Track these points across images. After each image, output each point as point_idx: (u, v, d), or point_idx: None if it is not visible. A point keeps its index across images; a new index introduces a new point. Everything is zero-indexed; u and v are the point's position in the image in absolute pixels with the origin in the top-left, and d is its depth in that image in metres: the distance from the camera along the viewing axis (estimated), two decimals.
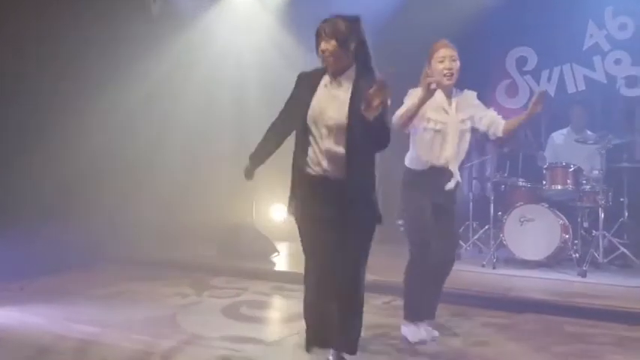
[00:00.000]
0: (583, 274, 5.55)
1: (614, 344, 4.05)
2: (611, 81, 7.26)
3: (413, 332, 3.95)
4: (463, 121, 4.00)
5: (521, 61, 7.78)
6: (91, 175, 6.66)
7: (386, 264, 4.96)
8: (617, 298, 4.92)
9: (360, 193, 3.25)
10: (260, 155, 3.55)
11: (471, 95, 4.12)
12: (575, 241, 5.98)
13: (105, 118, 6.77)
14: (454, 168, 3.97)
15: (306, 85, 3.38)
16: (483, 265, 6.01)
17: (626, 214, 6.03)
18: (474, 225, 6.72)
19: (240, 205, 7.68)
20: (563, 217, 5.97)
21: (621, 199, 6.04)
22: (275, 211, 8.07)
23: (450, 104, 3.99)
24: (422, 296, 3.99)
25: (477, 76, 7.97)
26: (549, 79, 7.63)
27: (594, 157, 6.18)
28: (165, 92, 7.37)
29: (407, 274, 3.97)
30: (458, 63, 3.94)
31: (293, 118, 3.39)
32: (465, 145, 4.05)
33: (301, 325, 3.41)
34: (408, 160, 4.02)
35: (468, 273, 5.85)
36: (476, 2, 7.35)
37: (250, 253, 6.69)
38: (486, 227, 6.41)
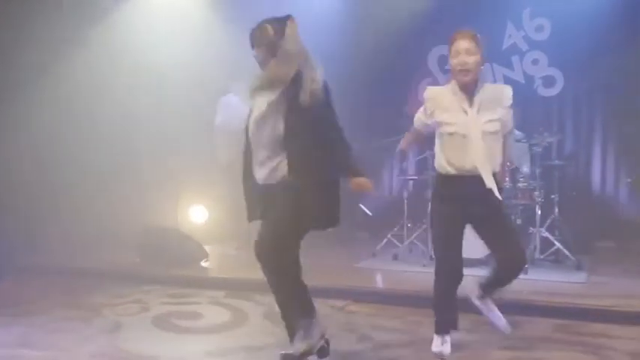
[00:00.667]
0: (525, 271, 5.62)
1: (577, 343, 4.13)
2: (529, 81, 7.52)
3: (436, 344, 3.70)
4: (489, 122, 3.50)
5: (443, 60, 7.83)
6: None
7: None
8: (568, 294, 5.08)
9: (284, 191, 3.36)
10: None
11: (502, 93, 3.63)
12: None
13: (15, 118, 6.23)
14: (486, 174, 3.47)
15: None
16: (424, 265, 5.96)
17: (557, 210, 6.19)
18: (409, 225, 6.66)
19: (161, 207, 7.27)
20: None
21: (552, 196, 6.20)
22: (196, 213, 7.69)
23: (470, 103, 3.52)
24: (445, 310, 3.73)
25: (400, 74, 7.98)
26: None
27: (525, 155, 6.33)
28: (79, 90, 6.78)
29: (434, 287, 3.72)
30: (477, 56, 3.47)
31: None
32: (498, 148, 3.56)
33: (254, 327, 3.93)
34: (435, 163, 3.69)
35: (409, 274, 5.89)
36: (399, 1, 7.38)
37: (178, 258, 6.26)
38: (424, 226, 6.35)
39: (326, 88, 3.41)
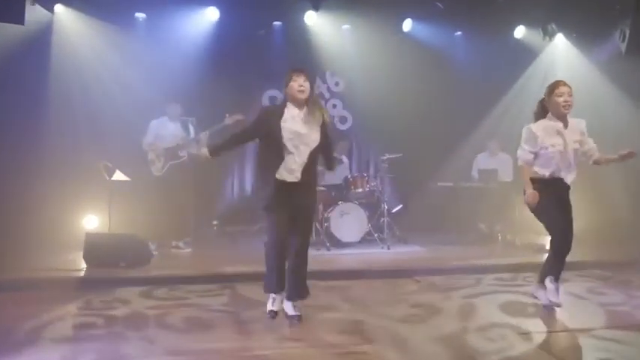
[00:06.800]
0: (387, 248, 7.93)
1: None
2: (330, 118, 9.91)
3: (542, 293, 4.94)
4: (575, 141, 4.74)
5: (272, 99, 9.73)
6: None
7: None
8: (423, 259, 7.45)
9: None
10: None
11: (580, 122, 4.83)
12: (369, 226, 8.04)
13: None
14: (568, 178, 4.77)
15: None
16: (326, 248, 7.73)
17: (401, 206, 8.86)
18: None
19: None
20: (367, 210, 8.11)
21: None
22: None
23: (565, 128, 4.72)
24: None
25: (242, 109, 9.56)
26: None
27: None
28: None
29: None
30: (572, 98, 4.66)
31: None
32: (577, 159, 4.78)
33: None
34: (535, 171, 4.80)
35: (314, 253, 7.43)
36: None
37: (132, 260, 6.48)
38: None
39: None
